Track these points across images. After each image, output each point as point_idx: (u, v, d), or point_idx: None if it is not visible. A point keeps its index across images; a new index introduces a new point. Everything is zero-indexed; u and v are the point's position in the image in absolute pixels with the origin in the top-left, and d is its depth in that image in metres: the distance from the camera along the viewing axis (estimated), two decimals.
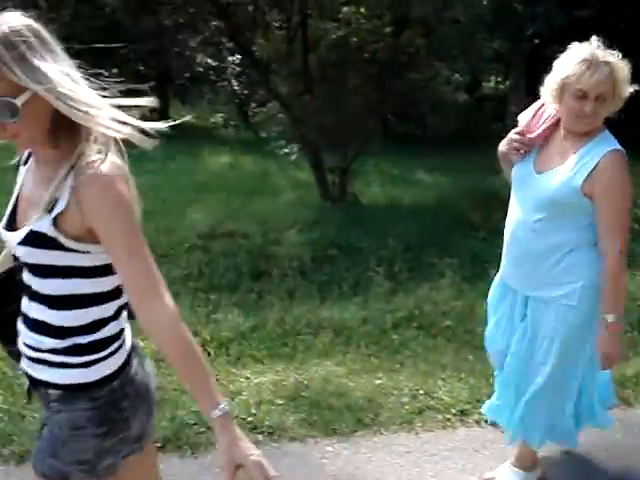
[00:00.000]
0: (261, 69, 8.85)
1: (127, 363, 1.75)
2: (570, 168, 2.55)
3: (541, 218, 2.62)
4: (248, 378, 3.80)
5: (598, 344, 2.58)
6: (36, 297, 1.68)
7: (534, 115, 2.72)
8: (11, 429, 3.30)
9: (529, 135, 2.69)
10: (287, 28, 8.83)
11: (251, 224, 6.96)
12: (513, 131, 2.74)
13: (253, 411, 3.43)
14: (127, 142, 1.58)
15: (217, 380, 3.77)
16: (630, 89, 2.57)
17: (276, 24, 9.40)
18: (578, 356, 2.69)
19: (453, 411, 3.52)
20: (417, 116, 12.12)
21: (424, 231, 6.89)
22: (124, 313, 1.77)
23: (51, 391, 1.72)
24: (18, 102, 1.45)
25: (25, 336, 1.72)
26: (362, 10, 8.50)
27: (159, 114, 18.32)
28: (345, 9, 8.46)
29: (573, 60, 2.51)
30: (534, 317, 2.70)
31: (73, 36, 16.10)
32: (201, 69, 16.60)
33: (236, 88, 15.35)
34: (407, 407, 3.54)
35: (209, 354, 4.10)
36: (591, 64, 2.47)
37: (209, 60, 16.22)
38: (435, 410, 3.53)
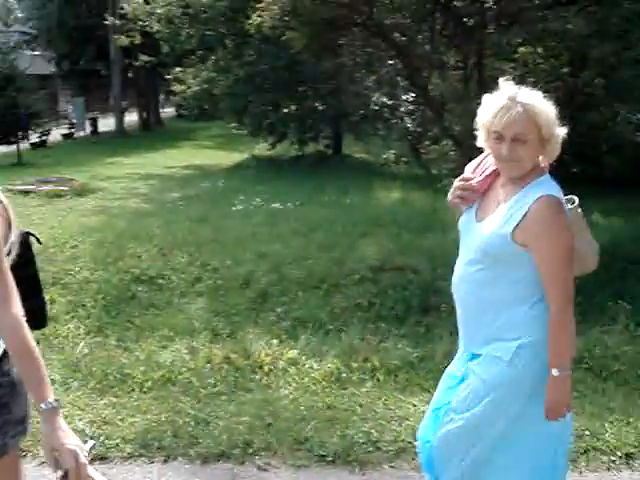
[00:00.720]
0: (435, 108, 9.07)
1: (1, 360, 2.02)
2: (502, 216, 2.41)
3: (480, 268, 2.47)
4: (415, 405, 3.98)
5: (544, 395, 2.37)
6: None
7: (479, 163, 2.58)
8: (197, 432, 3.70)
9: (472, 182, 2.54)
10: (463, 68, 8.99)
11: (420, 259, 7.13)
12: (457, 179, 2.59)
13: None
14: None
15: (385, 404, 3.99)
16: (561, 131, 2.42)
17: (452, 64, 9.60)
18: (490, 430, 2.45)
19: (619, 454, 3.51)
20: (594, 156, 11.82)
21: (597, 273, 6.73)
22: None
23: None
24: None
25: None
26: (539, 50, 8.51)
27: (333, 149, 19.09)
28: (522, 49, 8.50)
29: (490, 102, 2.40)
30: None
31: (257, 74, 17.25)
32: (376, 107, 17.10)
33: (409, 125, 15.67)
34: (572, 446, 3.56)
35: (378, 380, 4.33)
36: (504, 105, 2.35)
37: (384, 98, 16.68)
38: (600, 451, 3.54)
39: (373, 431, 3.67)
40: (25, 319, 2.00)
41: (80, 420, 3.86)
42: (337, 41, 12.31)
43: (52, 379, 4.43)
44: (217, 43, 16.65)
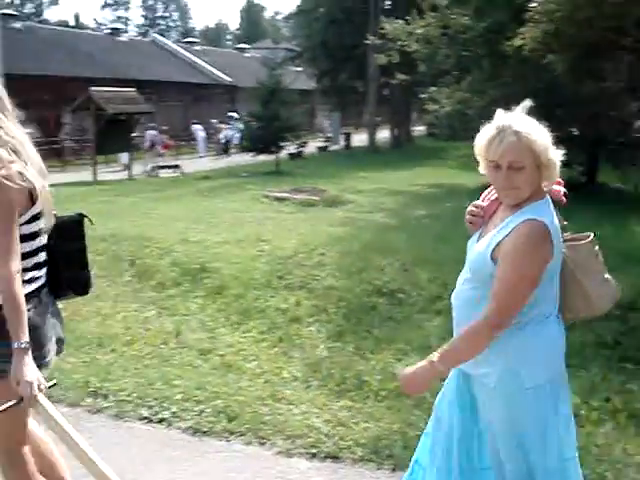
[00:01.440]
0: None
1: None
2: (490, 237, 2.44)
3: (470, 287, 2.50)
4: None
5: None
6: None
7: (490, 189, 2.62)
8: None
9: (478, 209, 2.61)
10: None
11: None
12: (471, 204, 2.65)
13: None
14: None
15: (624, 449, 3.77)
16: (558, 154, 2.42)
17: None
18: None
19: None
20: None
21: None
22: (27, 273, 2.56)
23: None
24: None
25: None
26: None
27: (587, 176, 18.23)
28: None
29: (486, 132, 2.41)
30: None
31: (512, 96, 16.97)
32: (637, 134, 16.09)
33: None
34: None
35: (618, 422, 4.10)
36: (498, 134, 2.36)
37: None
38: None
39: (608, 474, 3.51)
40: (69, 284, 2.85)
41: (317, 418, 4.09)
42: (600, 65, 11.82)
43: (294, 376, 4.75)
44: (473, 64, 16.64)
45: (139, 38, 64.60)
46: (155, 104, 30.43)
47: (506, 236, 2.39)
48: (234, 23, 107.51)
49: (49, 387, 2.49)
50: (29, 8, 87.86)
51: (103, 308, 6.29)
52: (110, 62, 41.17)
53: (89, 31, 67.66)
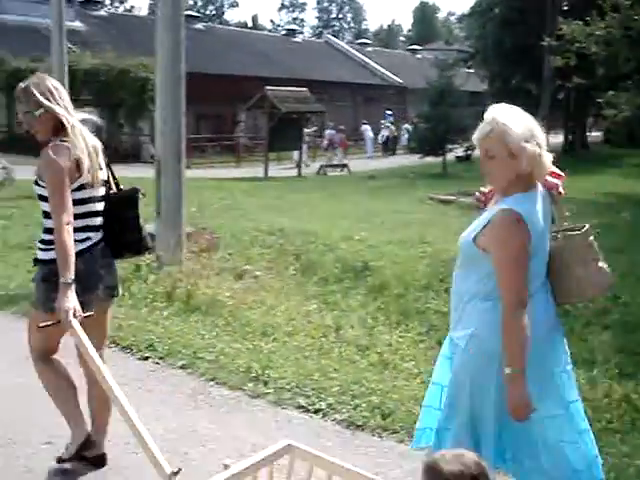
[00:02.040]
0: None
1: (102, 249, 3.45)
2: (476, 223, 2.75)
3: (459, 266, 2.85)
4: None
5: (507, 398, 2.59)
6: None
7: None
8: None
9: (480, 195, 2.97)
10: None
11: None
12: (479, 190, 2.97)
13: None
14: None
15: None
16: (530, 147, 2.60)
17: None
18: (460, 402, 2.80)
19: None
20: None
21: None
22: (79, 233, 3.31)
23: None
24: None
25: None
26: None
27: None
28: None
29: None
30: None
31: None
32: None
33: None
34: None
35: None
36: (482, 124, 2.64)
37: None
38: None
39: None
40: (126, 246, 3.58)
41: None
42: None
43: None
44: None
45: (313, 39, 66.18)
46: (326, 104, 31.05)
47: (486, 225, 2.69)
48: (407, 24, 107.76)
49: (85, 317, 3.17)
50: (210, 10, 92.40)
51: (268, 299, 6.53)
52: (285, 62, 42.47)
53: (266, 32, 70.19)
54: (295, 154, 25.60)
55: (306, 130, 27.49)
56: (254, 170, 23.39)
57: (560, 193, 2.89)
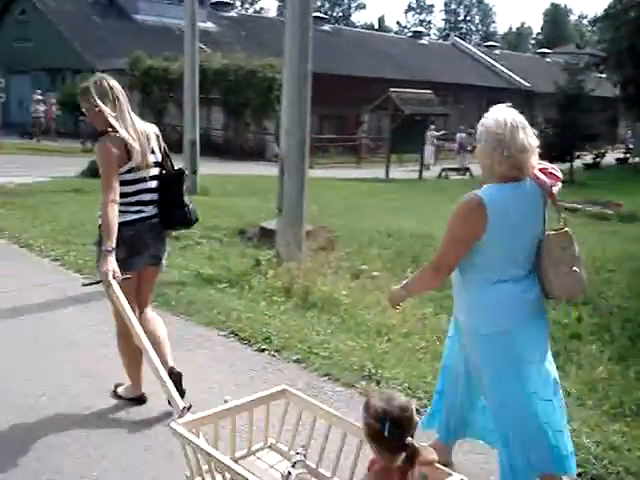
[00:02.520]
0: None
1: (124, 227, 3.86)
2: None
3: None
4: None
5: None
6: None
7: None
8: None
9: None
10: None
11: None
12: None
13: None
14: None
15: None
16: (480, 147, 3.08)
17: None
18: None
19: None
20: None
21: None
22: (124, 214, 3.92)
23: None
24: None
25: None
26: None
27: None
28: None
29: None
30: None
31: None
32: None
33: None
34: None
35: None
36: None
37: None
38: None
39: None
40: (175, 219, 4.20)
41: (588, 438, 3.93)
42: None
43: (568, 391, 4.58)
44: None
45: (439, 41, 65.54)
46: (450, 107, 30.74)
47: None
48: (537, 27, 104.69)
49: (122, 279, 3.73)
50: (337, 12, 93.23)
51: (383, 299, 6.56)
52: (410, 64, 42.30)
53: (392, 34, 70.09)
54: (426, 156, 25.56)
55: (434, 133, 27.26)
56: (375, 171, 23.45)
57: (553, 195, 3.11)
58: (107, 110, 3.91)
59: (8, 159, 20.00)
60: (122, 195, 3.89)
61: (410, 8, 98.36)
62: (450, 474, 2.63)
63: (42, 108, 25.73)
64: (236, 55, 28.83)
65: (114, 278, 3.68)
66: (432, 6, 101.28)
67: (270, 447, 3.44)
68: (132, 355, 4.20)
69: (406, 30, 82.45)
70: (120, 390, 4.43)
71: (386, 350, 5.22)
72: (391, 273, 7.52)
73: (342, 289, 6.60)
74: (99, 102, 3.90)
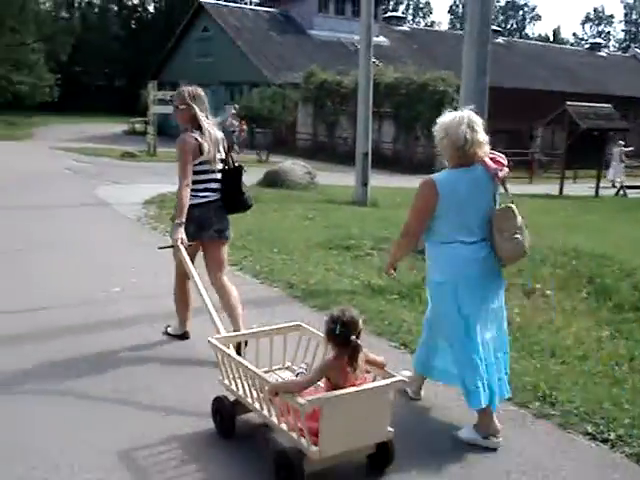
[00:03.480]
0: None
1: (193, 207, 4.94)
2: None
3: None
4: None
5: None
6: None
7: None
8: None
9: None
10: None
11: None
12: None
13: None
14: None
15: None
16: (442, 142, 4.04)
17: None
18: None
19: None
20: None
21: None
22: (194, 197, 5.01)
23: None
24: None
25: None
26: None
27: None
28: None
29: None
30: None
31: None
32: None
33: None
34: None
35: None
36: None
37: None
38: None
39: None
40: (235, 204, 5.19)
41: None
42: None
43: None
44: None
45: (619, 53, 62.48)
46: (631, 121, 29.19)
47: None
48: None
49: (189, 245, 4.87)
50: (511, 24, 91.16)
51: (557, 319, 6.37)
52: (587, 77, 40.68)
53: (568, 46, 67.65)
54: (609, 173, 24.58)
55: (623, 149, 25.97)
56: (548, 187, 22.72)
57: (496, 176, 4.02)
58: (197, 109, 5.02)
59: None
60: (193, 182, 4.98)
61: (587, 19, 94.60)
62: (393, 375, 3.64)
63: (236, 122, 27.08)
64: (408, 69, 28.97)
65: (182, 244, 4.81)
66: (611, 17, 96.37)
67: (287, 368, 4.38)
68: (182, 298, 5.48)
69: (583, 42, 79.22)
70: (170, 329, 5.66)
71: (560, 372, 5.07)
72: (565, 293, 7.28)
73: (514, 307, 6.47)
74: (191, 103, 5.03)
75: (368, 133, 14.54)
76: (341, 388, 3.43)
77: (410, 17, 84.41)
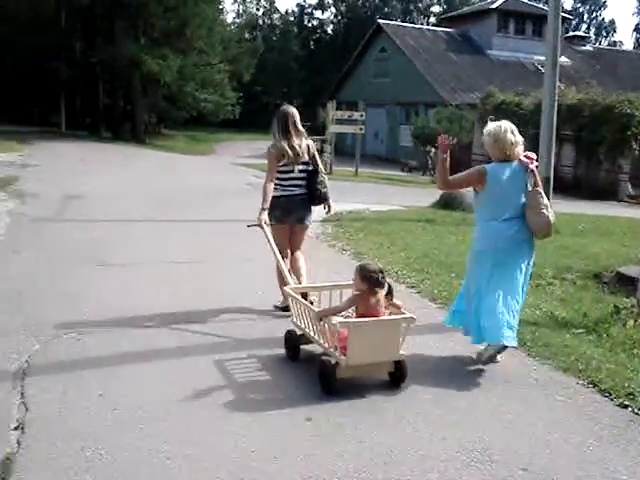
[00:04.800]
0: None
1: (278, 198, 6.57)
2: None
3: None
4: None
5: None
6: None
7: None
8: None
9: None
10: None
11: None
12: None
13: None
14: None
15: None
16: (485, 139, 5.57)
17: None
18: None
19: None
20: None
21: None
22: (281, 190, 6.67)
23: None
24: None
25: None
26: None
27: None
28: None
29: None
30: None
31: None
32: None
33: None
34: None
35: None
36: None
37: None
38: None
39: None
40: (315, 198, 6.78)
41: None
42: None
43: None
44: None
45: None
46: None
47: None
48: None
49: (270, 224, 6.33)
50: None
51: None
52: None
53: None
54: None
55: None
56: None
57: (528, 168, 5.39)
58: (274, 129, 6.61)
59: (364, 187, 21.51)
60: (280, 179, 6.58)
61: None
62: (405, 313, 5.05)
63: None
64: (592, 90, 27.74)
65: (265, 224, 6.32)
66: None
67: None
68: (282, 277, 6.31)
69: None
70: (278, 303, 6.85)
71: None
72: None
73: None
74: (275, 122, 6.61)
75: (551, 157, 14.02)
76: (367, 317, 4.92)
77: (593, 36, 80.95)
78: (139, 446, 4.03)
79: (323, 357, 5.02)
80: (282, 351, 5.65)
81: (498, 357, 5.51)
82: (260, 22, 76.53)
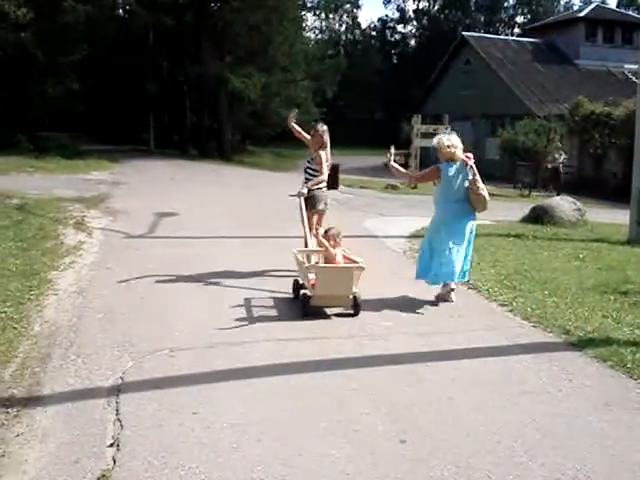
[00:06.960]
0: None
1: (320, 188, 9.01)
2: None
3: None
4: None
5: None
6: None
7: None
8: None
9: None
10: None
11: None
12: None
13: None
14: None
15: None
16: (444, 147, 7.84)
17: None
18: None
19: None
20: None
21: None
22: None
23: None
24: None
25: None
26: None
27: None
28: None
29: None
30: None
31: None
32: None
33: None
34: None
35: None
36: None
37: None
38: None
39: None
40: (332, 186, 9.38)
41: None
42: None
43: None
44: None
45: None
46: None
47: None
48: None
49: (301, 195, 8.79)
50: None
51: None
52: None
53: None
54: None
55: None
56: None
57: (468, 164, 7.64)
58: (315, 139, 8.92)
59: None
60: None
61: None
62: (358, 263, 7.35)
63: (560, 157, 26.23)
64: None
65: (302, 195, 8.67)
66: None
67: None
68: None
69: None
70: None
71: None
72: None
73: None
74: (322, 135, 8.89)
75: None
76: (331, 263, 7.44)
77: None
78: (233, 465, 4.03)
79: (302, 291, 7.45)
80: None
81: (452, 296, 7.87)
82: (343, 38, 77.04)
